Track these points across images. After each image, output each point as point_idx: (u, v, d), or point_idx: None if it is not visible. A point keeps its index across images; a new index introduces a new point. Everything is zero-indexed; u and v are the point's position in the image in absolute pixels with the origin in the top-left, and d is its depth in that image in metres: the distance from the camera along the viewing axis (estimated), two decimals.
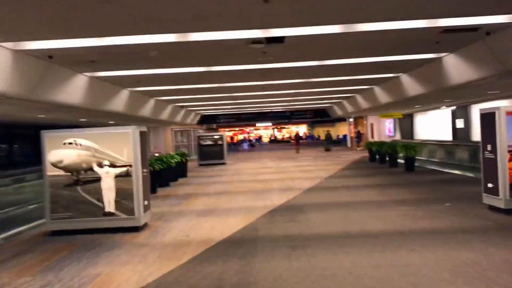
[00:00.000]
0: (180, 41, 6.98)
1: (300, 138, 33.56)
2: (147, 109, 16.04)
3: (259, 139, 58.58)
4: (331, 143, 32.70)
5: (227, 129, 69.76)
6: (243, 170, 19.98)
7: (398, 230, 6.85)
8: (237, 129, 70.87)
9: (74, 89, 9.93)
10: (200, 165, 24.12)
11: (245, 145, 50.63)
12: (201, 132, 35.59)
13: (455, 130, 19.86)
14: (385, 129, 30.67)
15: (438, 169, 16.02)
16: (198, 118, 29.00)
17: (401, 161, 17.76)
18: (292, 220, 8.04)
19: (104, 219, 7.73)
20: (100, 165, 7.76)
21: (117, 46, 7.30)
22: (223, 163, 24.18)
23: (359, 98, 19.64)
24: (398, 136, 28.11)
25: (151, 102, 16.34)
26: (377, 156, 19.93)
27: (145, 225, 8.07)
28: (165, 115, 19.03)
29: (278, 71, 10.93)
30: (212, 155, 24.37)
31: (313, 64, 10.09)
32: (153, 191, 13.05)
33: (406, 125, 27.54)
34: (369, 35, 7.42)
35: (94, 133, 7.90)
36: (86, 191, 7.79)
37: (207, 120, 30.41)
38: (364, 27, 6.80)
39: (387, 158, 18.25)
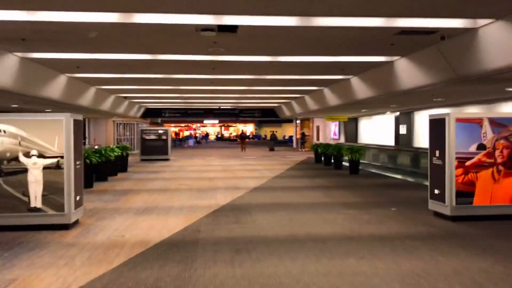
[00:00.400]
0: (122, 22, 6.34)
1: (246, 137, 34.15)
2: (87, 98, 15.03)
3: (205, 136, 57.77)
4: (275, 143, 33.33)
5: (173, 125, 68.63)
6: (187, 167, 19.35)
7: (346, 235, 6.62)
8: (183, 125, 69.72)
9: (2, 70, 8.95)
10: (142, 160, 23.20)
11: (191, 142, 49.78)
12: (144, 126, 34.44)
13: (398, 135, 20.32)
14: (330, 131, 31.06)
15: (381, 173, 16.22)
16: (142, 111, 27.90)
17: (345, 163, 17.87)
18: (237, 221, 7.62)
19: (29, 215, 6.95)
20: (27, 155, 6.96)
21: (51, 23, 6.52)
22: (167, 159, 23.41)
23: (308, 99, 19.58)
24: (342, 139, 28.53)
25: (92, 91, 15.34)
26: (323, 158, 20.00)
27: (76, 223, 7.35)
28: (106, 105, 18.00)
29: (228, 65, 10.47)
30: (155, 150, 23.52)
31: (265, 60, 9.72)
32: (90, 185, 12.22)
33: (350, 128, 28.01)
34: (325, 31, 7.14)
35: (22, 120, 7.07)
36: (8, 184, 6.95)
37: (152, 114, 29.34)
38: (320, 22, 6.49)
39: (332, 160, 18.31)
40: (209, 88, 16.38)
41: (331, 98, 16.08)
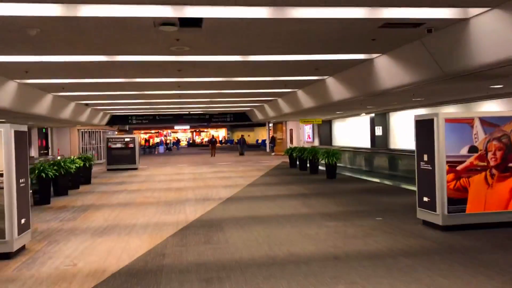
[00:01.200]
0: (66, 15, 5.42)
1: (215, 141, 34.09)
2: (43, 106, 13.85)
3: (176, 142, 56.47)
4: (245, 147, 33.07)
5: (142, 131, 66.99)
6: (156, 176, 18.32)
7: (332, 253, 5.86)
8: (153, 131, 68.15)
9: None
10: (109, 170, 22.04)
11: (161, 149, 48.49)
12: (111, 133, 33.10)
13: (373, 137, 19.89)
14: (304, 134, 30.50)
15: (358, 176, 15.65)
16: (107, 118, 26.61)
17: (322, 168, 17.24)
18: (207, 241, 6.76)
19: None
20: None
21: None
22: (135, 168, 22.32)
23: (281, 102, 18.89)
24: (317, 142, 28.01)
25: (48, 98, 14.17)
26: (298, 162, 19.34)
27: (21, 250, 6.35)
28: (66, 114, 16.79)
29: (195, 66, 9.60)
30: (122, 159, 22.38)
31: (235, 59, 8.90)
32: (46, 201, 11.15)
33: (325, 131, 27.53)
34: (300, 24, 6.39)
35: None
36: None
37: (118, 121, 28.05)
38: (295, 13, 5.72)
39: (308, 165, 17.66)
40: (177, 93, 15.44)
41: (306, 100, 15.40)
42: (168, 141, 59.95)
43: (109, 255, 6.11)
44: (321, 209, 9.23)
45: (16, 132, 6.18)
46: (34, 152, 25.03)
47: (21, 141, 6.44)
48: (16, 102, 11.53)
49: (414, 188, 7.79)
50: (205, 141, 66.79)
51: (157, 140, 63.88)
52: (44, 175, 11.12)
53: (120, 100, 17.72)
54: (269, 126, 39.99)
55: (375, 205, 9.61)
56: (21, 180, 6.32)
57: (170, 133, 68.63)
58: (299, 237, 6.82)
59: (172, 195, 12.14)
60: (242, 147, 33.61)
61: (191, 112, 27.53)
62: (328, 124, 27.20)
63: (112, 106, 21.10)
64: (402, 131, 18.44)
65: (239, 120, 29.57)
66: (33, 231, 7.72)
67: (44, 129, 26.56)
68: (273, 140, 35.04)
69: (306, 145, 26.58)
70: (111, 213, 9.53)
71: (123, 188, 14.27)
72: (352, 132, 24.03)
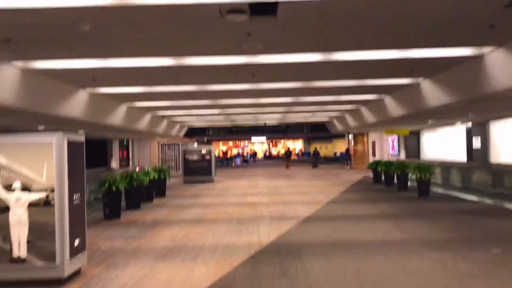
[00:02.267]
0: (118, 4, 4.65)
1: (290, 154, 34.83)
2: (117, 117, 13.65)
3: (253, 155, 56.24)
4: (318, 160, 34.04)
5: (221, 143, 67.80)
6: (231, 189, 17.58)
7: None
8: (231, 143, 68.72)
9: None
10: (185, 182, 21.75)
11: (238, 161, 48.33)
12: (190, 145, 33.29)
13: (470, 150, 17.61)
14: (388, 147, 28.40)
15: (455, 195, 13.68)
16: (184, 130, 26.59)
17: (411, 183, 15.46)
18: (284, 273, 5.64)
19: (11, 268, 5.32)
20: (9, 187, 5.37)
21: (29, 12, 4.95)
22: (211, 181, 21.83)
23: (365, 110, 17.34)
24: (402, 155, 25.83)
25: (122, 109, 13.96)
26: (383, 178, 17.62)
27: (75, 275, 5.65)
28: (142, 125, 16.64)
29: (270, 69, 8.64)
30: (198, 171, 22.03)
31: (315, 59, 7.76)
32: (117, 216, 10.69)
33: (412, 143, 25.26)
34: (400, 7, 5.16)
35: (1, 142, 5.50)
36: None
37: (196, 133, 27.99)
38: None
39: (396, 181, 15.92)
40: (251, 102, 14.63)
41: (394, 107, 13.80)
42: (245, 154, 59.94)
43: (168, 287, 5.21)
44: (418, 235, 7.73)
45: (70, 143, 5.52)
46: (115, 163, 25.59)
47: (77, 152, 5.79)
48: (87, 112, 11.27)
49: None
50: (281, 154, 66.02)
51: (234, 152, 64.24)
52: (114, 188, 10.68)
53: (194, 110, 17.27)
54: (348, 138, 38.11)
55: (485, 231, 7.92)
56: (75, 196, 5.65)
57: (247, 144, 68.77)
58: (397, 274, 5.46)
59: (246, 211, 11.18)
60: (316, 159, 34.00)
61: (266, 124, 26.73)
62: (416, 135, 24.94)
63: (188, 117, 20.82)
64: (506, 142, 16.09)
65: (317, 131, 28.22)
66: (95, 251, 7.13)
67: (125, 141, 27.15)
68: (347, 152, 34.19)
69: (390, 159, 24.59)
70: (179, 231, 8.75)
71: (196, 202, 13.61)
72: (443, 144, 21.70)
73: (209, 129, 27.39)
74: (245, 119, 22.47)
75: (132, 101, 13.47)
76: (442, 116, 14.07)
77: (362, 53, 7.55)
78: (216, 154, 63.21)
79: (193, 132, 27.75)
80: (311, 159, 35.56)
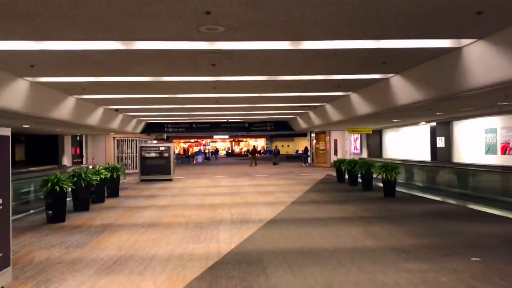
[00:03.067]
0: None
1: (255, 152, 35.35)
2: (64, 110, 12.46)
3: (215, 152, 55.22)
4: (278, 158, 35.60)
5: (182, 140, 66.32)
6: (190, 188, 16.68)
7: None
8: (192, 140, 67.35)
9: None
10: (142, 180, 20.67)
11: (200, 158, 47.27)
12: (149, 142, 32.07)
13: (434, 149, 17.51)
14: (350, 145, 28.25)
15: (421, 195, 13.37)
16: (142, 126, 25.36)
17: (379, 184, 15.10)
18: None
19: None
20: None
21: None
22: (169, 179, 20.85)
23: (329, 108, 16.86)
24: (365, 154, 25.69)
25: (70, 101, 12.78)
26: (347, 176, 17.22)
27: None
28: (93, 120, 15.45)
29: (232, 59, 7.87)
30: (156, 169, 20.98)
31: (282, 48, 7.05)
32: (61, 219, 9.63)
33: (374, 142, 25.18)
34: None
35: None
36: None
37: (154, 129, 26.77)
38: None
39: (360, 180, 15.52)
40: (212, 96, 13.85)
41: (361, 105, 13.32)
42: (206, 151, 58.84)
43: None
44: (391, 241, 7.17)
45: None
46: (66, 160, 24.10)
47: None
48: (28, 104, 10.10)
49: (498, 212, 5.67)
50: (244, 151, 65.48)
51: (196, 149, 63.01)
52: (58, 188, 9.60)
53: (152, 105, 16.25)
54: (310, 136, 37.91)
55: (460, 236, 7.46)
56: None
57: (209, 142, 67.70)
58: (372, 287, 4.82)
59: (205, 214, 10.37)
60: (276, 157, 35.27)
61: (229, 120, 25.90)
62: (378, 134, 24.84)
63: (145, 112, 19.69)
64: (468, 142, 16.03)
65: (280, 129, 27.65)
66: (27, 263, 6.16)
67: (78, 137, 25.64)
68: (306, 151, 35.54)
69: (352, 157, 24.38)
70: (129, 237, 7.84)
71: (151, 203, 12.66)
72: (406, 143, 21.63)
73: (168, 125, 26.25)
74: (206, 114, 21.55)
75: (80, 93, 12.32)
76: (411, 114, 13.72)
77: (333, 43, 6.89)
78: (177, 151, 62.06)
79: (151, 128, 26.53)
80: (271, 157, 36.34)
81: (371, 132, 22.24)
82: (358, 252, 6.44)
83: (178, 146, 66.72)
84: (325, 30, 6.17)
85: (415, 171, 16.12)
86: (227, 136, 62.94)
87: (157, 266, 5.90)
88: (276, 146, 39.49)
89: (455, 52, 7.66)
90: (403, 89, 10.18)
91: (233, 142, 68.75)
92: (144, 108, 17.70)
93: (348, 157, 27.09)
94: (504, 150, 14.06)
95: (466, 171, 13.34)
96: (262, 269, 5.62)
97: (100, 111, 15.84)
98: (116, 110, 16.77)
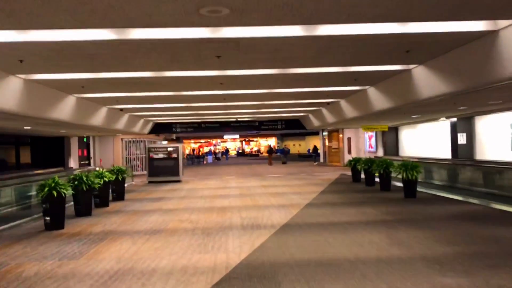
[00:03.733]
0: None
1: (272, 151, 36.29)
2: (63, 110, 11.84)
3: (225, 152, 54.61)
4: (287, 157, 36.22)
5: (192, 141, 65.81)
6: (199, 190, 16.01)
7: None
8: (203, 141, 66.81)
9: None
10: (150, 182, 20.09)
11: (210, 158, 46.69)
12: (158, 143, 31.58)
13: (455, 146, 16.61)
14: (365, 143, 27.36)
15: (443, 195, 12.52)
16: (149, 126, 24.76)
17: (395, 183, 14.30)
18: None
19: None
20: None
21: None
22: (178, 181, 20.25)
23: (344, 104, 16.06)
24: (380, 152, 24.79)
25: (70, 101, 12.16)
26: (363, 176, 16.42)
27: None
28: (97, 120, 14.84)
29: (239, 47, 7.13)
30: (164, 170, 20.39)
31: (296, 34, 6.29)
32: (59, 226, 9.00)
33: (390, 139, 24.28)
34: None
35: None
36: None
37: (162, 129, 26.15)
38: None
39: (378, 179, 14.70)
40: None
41: (379, 100, 12.49)
42: (217, 151, 58.25)
43: None
44: (419, 250, 6.39)
45: None
46: (73, 162, 23.60)
47: None
48: (23, 103, 9.48)
49: None
50: (255, 151, 64.81)
51: (206, 149, 62.45)
52: (55, 193, 8.96)
53: (158, 104, 15.61)
54: (323, 135, 37.05)
55: (497, 243, 6.66)
56: None
57: (220, 142, 67.09)
58: None
59: (213, 218, 9.67)
60: (285, 156, 35.91)
61: (238, 119, 25.19)
62: (394, 131, 23.92)
63: (152, 111, 19.07)
64: (492, 138, 15.12)
65: (292, 127, 26.86)
66: (14, 278, 5.54)
67: (85, 138, 25.14)
68: (315, 149, 36.02)
69: (367, 156, 23.52)
70: (130, 246, 7.18)
71: (158, 206, 12.01)
72: (424, 140, 20.73)
73: (177, 125, 25.62)
74: (214, 114, 20.87)
75: (80, 92, 11.68)
76: (433, 109, 12.86)
77: (352, 27, 6.11)
78: (188, 152, 61.62)
79: (159, 129, 25.93)
80: (281, 156, 37.21)
81: (387, 129, 21.37)
82: (384, 263, 5.67)
83: (188, 147, 66.32)
84: (344, 11, 5.39)
85: (435, 169, 15.26)
86: (237, 136, 62.36)
87: (157, 283, 5.20)
88: (285, 145, 40.86)
89: (490, 36, 6.82)
90: (427, 81, 9.35)
91: (244, 142, 68.10)
92: (150, 108, 17.07)
93: (362, 155, 26.24)
94: None
95: (491, 169, 12.47)
96: (276, 286, 4.89)
97: (103, 111, 15.24)
98: (121, 109, 16.18)
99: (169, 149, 20.80)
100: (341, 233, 7.68)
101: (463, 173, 13.78)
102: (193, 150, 56.61)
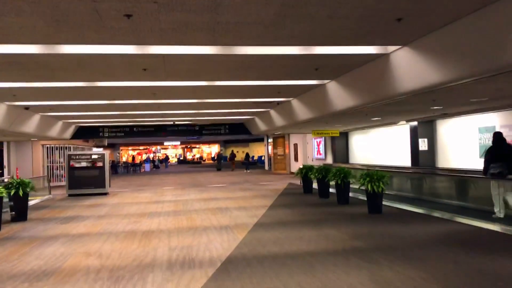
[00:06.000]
0: None
1: (234, 156, 37.58)
2: None
3: (165, 159, 51.40)
4: (221, 163, 37.50)
5: (130, 148, 61.86)
6: (125, 206, 13.39)
7: None
8: (142, 147, 63.03)
9: None
10: (70, 195, 17.14)
11: (147, 166, 43.53)
12: (94, 150, 28.32)
13: (416, 153, 15.12)
14: (313, 150, 25.69)
15: (410, 209, 10.83)
16: (71, 130, 21.56)
17: (354, 195, 12.55)
18: None
19: None
20: None
21: None
22: (104, 193, 17.43)
23: (296, 104, 14.06)
24: (329, 160, 23.17)
25: None
26: (315, 186, 14.57)
27: None
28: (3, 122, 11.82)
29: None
30: (87, 182, 17.51)
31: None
32: None
33: (340, 146, 22.69)
34: None
35: None
36: None
37: (87, 134, 22.96)
38: None
39: (334, 190, 12.81)
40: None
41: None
42: (155, 158, 54.91)
43: None
44: None
45: None
46: None
47: None
48: None
49: None
50: (197, 158, 62.21)
51: (145, 156, 58.89)
52: None
53: (77, 101, 12.81)
54: (268, 141, 35.24)
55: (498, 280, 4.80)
56: None
57: (160, 149, 63.73)
58: None
59: (133, 249, 7.24)
60: (219, 162, 37.06)
61: (176, 123, 22.58)
62: (344, 137, 22.39)
63: (72, 111, 16.10)
64: (457, 144, 13.75)
65: (236, 132, 24.63)
66: None
67: None
68: (247, 156, 35.79)
69: (315, 163, 21.83)
70: None
71: (64, 230, 9.36)
72: (379, 146, 19.27)
73: (104, 128, 22.58)
74: (147, 114, 18.15)
75: None
76: (407, 107, 11.14)
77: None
78: (125, 159, 57.75)
79: (85, 133, 22.72)
80: (215, 163, 39.03)
81: (338, 135, 19.72)
82: None
83: (126, 154, 62.40)
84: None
85: (395, 179, 13.61)
86: (178, 143, 59.32)
87: None
88: (219, 152, 43.98)
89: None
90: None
91: (186, 149, 65.19)
92: (69, 106, 14.13)
93: (310, 162, 24.57)
94: None
95: (458, 179, 10.94)
96: None
97: (2, 109, 12.21)
98: (26, 108, 13.15)
99: (94, 156, 17.91)
100: (306, 273, 5.53)
101: (429, 183, 12.20)
102: (133, 157, 53.04)
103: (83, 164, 17.66)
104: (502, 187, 9.05)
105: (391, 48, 7.59)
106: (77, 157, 17.82)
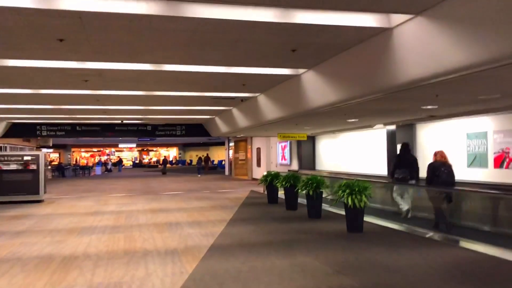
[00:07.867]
0: None
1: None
2: None
3: (118, 162, 48.42)
4: (165, 167, 38.00)
5: (82, 150, 58.29)
6: (56, 218, 11.16)
7: None
8: (95, 149, 59.60)
9: None
10: None
11: (98, 170, 40.62)
12: (20, 151, 25.53)
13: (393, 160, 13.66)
14: (277, 155, 23.97)
15: (391, 226, 9.27)
16: (2, 127, 18.81)
17: (323, 206, 10.92)
18: None
19: None
20: None
21: None
22: (38, 201, 15.03)
23: (263, 101, 12.21)
24: (295, 165, 21.49)
25: None
26: (280, 195, 12.84)
27: None
28: None
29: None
30: (17, 187, 15.09)
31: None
32: None
33: (306, 151, 21.06)
34: None
35: None
36: None
37: (23, 132, 20.21)
38: None
39: (306, 201, 11.08)
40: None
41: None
42: (108, 161, 51.77)
43: None
44: None
45: None
46: None
47: None
48: None
49: None
50: (154, 162, 59.54)
51: (98, 159, 55.57)
52: None
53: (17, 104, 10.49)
54: (229, 145, 33.38)
55: None
56: None
57: (114, 151, 60.53)
58: None
59: (47, 284, 5.15)
60: (164, 167, 37.83)
61: (124, 122, 20.24)
62: (311, 141, 20.81)
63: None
64: (432, 151, 12.34)
65: (194, 134, 22.54)
66: None
67: None
68: (200, 161, 35.98)
69: (279, 169, 20.14)
70: None
71: None
72: (347, 152, 17.77)
73: (42, 126, 19.92)
74: (89, 111, 15.79)
75: None
76: (398, 107, 9.54)
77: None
78: (75, 162, 54.27)
79: (20, 131, 19.96)
80: (162, 167, 39.03)
81: (305, 139, 18.08)
82: None
83: (78, 156, 58.93)
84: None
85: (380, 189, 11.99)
86: (134, 145, 56.39)
87: None
88: (165, 156, 45.14)
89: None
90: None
91: (142, 152, 62.26)
92: None
93: (274, 168, 22.89)
94: (500, 163, 10.40)
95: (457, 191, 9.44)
96: None
97: None
98: None
99: (26, 158, 15.44)
100: None
101: (409, 194, 10.66)
102: (77, 159, 49.78)
103: (13, 166, 15.16)
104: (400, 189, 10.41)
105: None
106: (5, 158, 15.30)
